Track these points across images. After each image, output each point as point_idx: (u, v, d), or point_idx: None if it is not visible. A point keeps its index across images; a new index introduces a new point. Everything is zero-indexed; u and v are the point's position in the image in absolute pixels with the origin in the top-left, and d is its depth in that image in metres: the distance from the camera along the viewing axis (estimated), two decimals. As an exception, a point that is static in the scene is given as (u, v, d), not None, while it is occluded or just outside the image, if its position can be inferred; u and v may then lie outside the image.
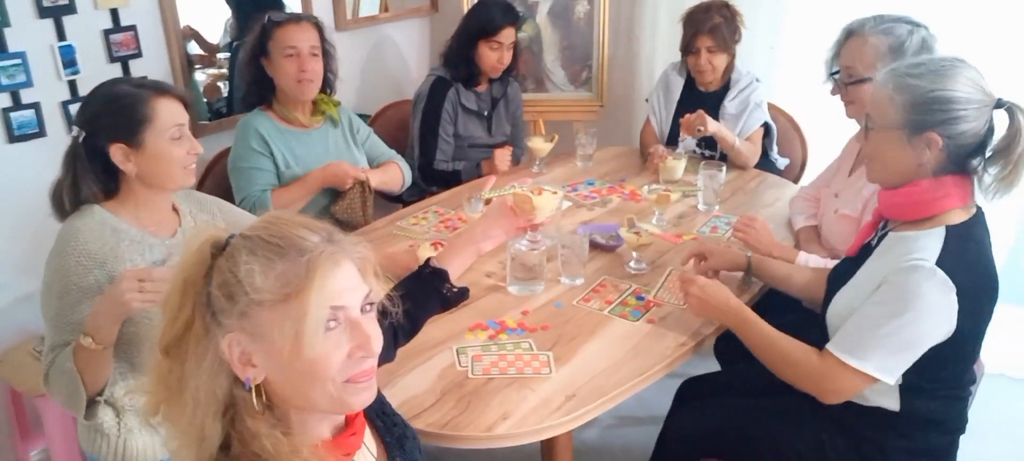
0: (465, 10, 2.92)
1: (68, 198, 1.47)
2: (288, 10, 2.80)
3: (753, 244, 1.91)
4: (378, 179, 2.31)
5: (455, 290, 1.38)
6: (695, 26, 2.55)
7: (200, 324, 0.84)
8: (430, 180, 2.68)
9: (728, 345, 2.02)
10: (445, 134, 2.69)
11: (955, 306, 1.29)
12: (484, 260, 1.93)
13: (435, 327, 1.63)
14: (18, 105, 2.08)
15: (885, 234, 1.45)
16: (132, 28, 2.30)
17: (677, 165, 2.47)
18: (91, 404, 1.43)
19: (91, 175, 1.47)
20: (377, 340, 0.89)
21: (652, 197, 2.13)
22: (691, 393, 1.86)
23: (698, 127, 2.45)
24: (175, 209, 1.62)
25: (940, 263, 1.29)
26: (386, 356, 1.30)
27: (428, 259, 1.40)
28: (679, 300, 1.76)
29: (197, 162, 1.57)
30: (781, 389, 1.66)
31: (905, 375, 1.38)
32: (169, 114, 1.49)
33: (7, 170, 2.06)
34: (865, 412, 1.46)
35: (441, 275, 1.37)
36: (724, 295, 1.58)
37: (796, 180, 2.76)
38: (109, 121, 1.46)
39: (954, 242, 1.32)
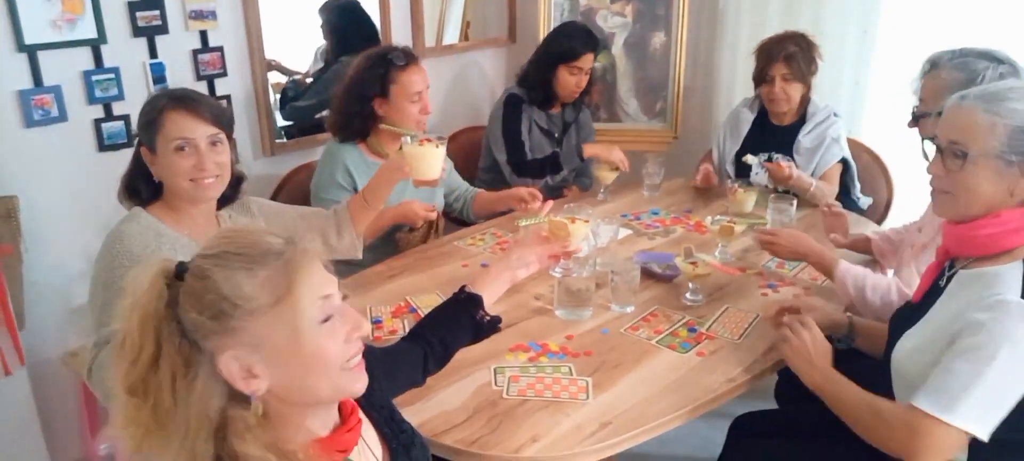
0: (541, 40, 2.95)
1: (126, 192, 1.58)
2: (384, 43, 2.89)
3: (787, 251, 1.88)
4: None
5: (488, 319, 1.38)
6: (769, 55, 2.48)
7: (175, 355, 0.82)
8: (524, 172, 2.69)
9: (789, 388, 1.92)
10: (525, 134, 2.71)
11: None
12: (535, 282, 1.92)
13: (476, 346, 1.60)
14: (110, 116, 2.23)
15: (954, 273, 1.34)
16: (219, 49, 2.44)
17: (748, 198, 2.39)
18: None
19: (139, 176, 1.57)
20: (365, 320, 0.93)
21: (715, 229, 2.06)
22: (746, 430, 1.77)
23: (783, 176, 2.39)
24: (218, 219, 1.67)
25: None
26: (413, 379, 1.31)
27: (463, 285, 1.40)
28: (733, 335, 1.68)
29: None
30: (841, 435, 1.55)
31: None
32: (175, 126, 1.49)
33: (96, 176, 2.21)
34: None
35: (476, 300, 1.38)
36: (824, 353, 1.44)
37: (879, 221, 2.61)
38: (141, 124, 1.55)
39: None
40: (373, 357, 1.00)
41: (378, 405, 1.08)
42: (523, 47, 3.43)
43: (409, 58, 2.18)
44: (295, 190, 2.49)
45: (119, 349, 0.84)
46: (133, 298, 0.83)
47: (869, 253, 2.08)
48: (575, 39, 2.67)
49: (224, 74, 2.47)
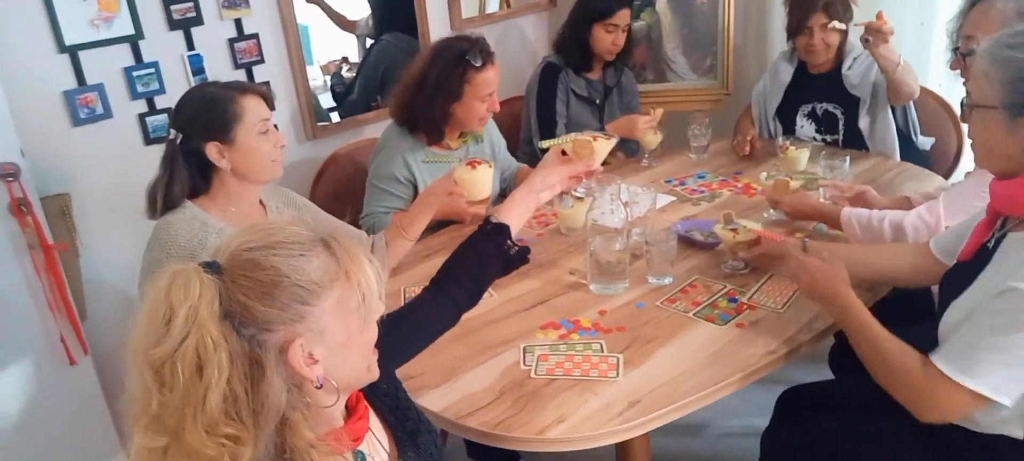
0: (577, 1, 2.86)
1: (161, 197, 1.59)
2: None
3: (794, 213, 1.87)
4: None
5: (515, 249, 1.33)
6: (805, 4, 2.34)
7: (236, 359, 0.79)
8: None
9: (843, 355, 1.82)
10: (560, 113, 2.65)
11: None
12: (571, 256, 1.88)
13: (506, 325, 1.60)
14: (153, 110, 2.29)
15: (1004, 234, 1.23)
16: (255, 36, 2.46)
17: (801, 155, 2.27)
18: None
19: (186, 174, 1.59)
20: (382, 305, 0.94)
21: (769, 183, 1.95)
22: (794, 403, 1.69)
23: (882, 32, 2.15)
24: (262, 204, 1.70)
25: None
26: (439, 329, 1.28)
27: (487, 216, 1.36)
28: (777, 304, 1.60)
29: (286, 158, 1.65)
30: (895, 408, 1.46)
31: None
32: (255, 111, 1.59)
33: (145, 169, 2.25)
34: (985, 442, 1.24)
35: (503, 230, 1.32)
36: (836, 280, 1.39)
37: (948, 173, 2.43)
38: (204, 122, 1.57)
39: None
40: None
41: (381, 393, 1.07)
42: (563, 11, 3.30)
43: (486, 57, 2.09)
44: (339, 174, 2.51)
45: (156, 377, 0.79)
46: (185, 310, 0.78)
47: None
48: None
49: (262, 61, 2.49)
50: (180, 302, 0.78)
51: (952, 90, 2.53)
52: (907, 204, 1.91)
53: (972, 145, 1.27)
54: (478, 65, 2.06)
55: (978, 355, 1.15)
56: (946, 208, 1.64)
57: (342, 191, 2.47)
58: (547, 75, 2.67)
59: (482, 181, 1.82)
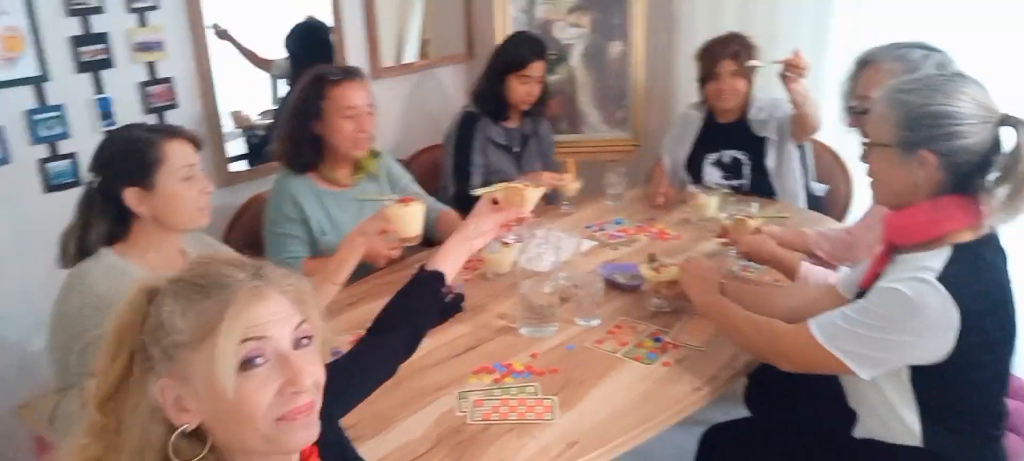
0: (498, 52, 2.94)
1: (75, 244, 1.51)
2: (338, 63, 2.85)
3: (750, 254, 1.95)
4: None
5: (451, 296, 1.35)
6: (714, 53, 2.53)
7: (138, 372, 0.83)
8: (467, 207, 2.62)
9: (759, 391, 1.92)
10: (477, 163, 2.68)
11: (954, 325, 1.20)
12: (499, 301, 1.90)
13: (438, 371, 1.59)
14: (56, 155, 2.17)
15: (893, 260, 1.36)
16: (168, 80, 2.39)
17: (710, 201, 2.39)
18: None
19: (103, 220, 1.52)
20: (308, 374, 0.86)
21: (729, 224, 2.03)
22: (718, 441, 1.75)
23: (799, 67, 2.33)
24: (183, 252, 1.64)
25: (942, 279, 1.20)
26: (379, 378, 1.27)
27: (421, 265, 1.37)
28: (699, 342, 1.67)
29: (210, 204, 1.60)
30: (807, 440, 1.55)
31: (922, 401, 1.30)
32: (179, 155, 1.53)
33: (43, 219, 2.13)
34: (888, 453, 1.36)
35: (438, 277, 1.34)
36: (712, 280, 1.66)
37: (840, 219, 2.62)
38: (123, 165, 1.50)
39: (959, 261, 1.23)
40: None
41: (328, 443, 1.04)
42: (481, 62, 3.39)
43: (347, 74, 2.09)
44: (253, 221, 2.44)
45: (99, 358, 0.86)
46: (118, 308, 0.86)
47: (805, 251, 2.05)
48: (522, 47, 2.66)
49: (174, 105, 2.42)
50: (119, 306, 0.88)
51: (842, 143, 2.74)
52: (800, 239, 2.07)
53: (871, 182, 1.40)
54: (334, 79, 2.05)
55: (845, 329, 1.29)
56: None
57: (256, 240, 2.40)
58: (465, 125, 2.71)
59: (414, 218, 1.80)
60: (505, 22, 3.19)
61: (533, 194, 1.53)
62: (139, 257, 1.55)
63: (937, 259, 1.24)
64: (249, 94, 2.85)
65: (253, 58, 2.80)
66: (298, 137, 2.09)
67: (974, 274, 1.23)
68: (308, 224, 2.10)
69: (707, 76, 2.58)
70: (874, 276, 1.38)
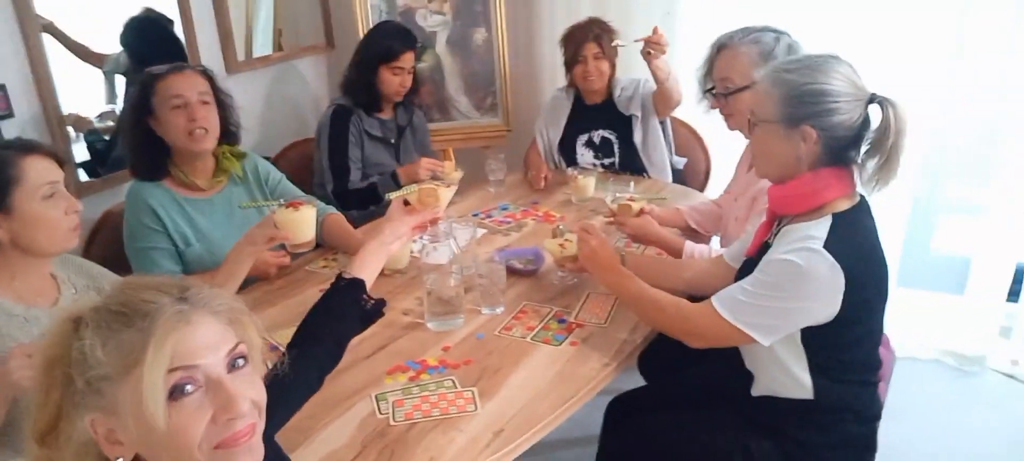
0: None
1: None
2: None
3: (636, 236, 2.03)
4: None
5: (372, 302, 1.33)
6: (577, 39, 2.66)
7: (67, 405, 0.80)
8: (348, 204, 2.57)
9: (652, 359, 2.04)
10: (354, 157, 2.63)
11: (841, 287, 1.33)
12: (400, 298, 1.88)
13: (351, 375, 1.56)
14: None
15: (779, 230, 1.49)
16: (1, 88, 2.13)
17: (588, 182, 2.49)
18: None
19: None
20: (243, 398, 0.83)
21: (614, 207, 2.10)
22: (621, 411, 1.85)
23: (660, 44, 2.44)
24: (53, 277, 1.50)
25: (826, 246, 1.33)
26: (305, 393, 1.23)
27: (339, 272, 1.35)
28: (600, 319, 1.75)
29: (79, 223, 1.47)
30: (706, 401, 1.68)
31: (811, 357, 1.43)
32: (38, 173, 1.40)
33: None
34: (783, 407, 1.49)
35: (359, 284, 1.33)
36: (613, 255, 1.72)
37: (701, 189, 2.82)
38: None
39: (840, 228, 1.36)
40: None
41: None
42: (343, 52, 3.33)
43: (173, 68, 1.96)
44: (112, 237, 2.24)
45: (35, 391, 0.83)
46: (46, 339, 0.82)
47: (681, 226, 2.21)
48: (393, 38, 2.63)
49: (11, 114, 2.17)
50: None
51: (699, 119, 2.93)
52: (677, 215, 2.22)
53: (754, 156, 1.52)
54: (159, 72, 1.95)
55: (745, 303, 1.40)
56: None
57: (118, 256, 2.21)
58: (338, 118, 2.64)
59: (306, 222, 1.74)
60: (366, 10, 3.12)
61: (446, 194, 1.54)
62: (4, 287, 1.41)
63: (820, 228, 1.36)
64: (85, 94, 2.59)
65: (82, 53, 2.54)
66: (139, 141, 1.95)
67: (854, 239, 1.37)
68: (168, 234, 1.97)
69: (572, 60, 2.68)
70: (760, 245, 1.51)
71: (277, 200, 1.76)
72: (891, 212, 2.71)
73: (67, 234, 1.45)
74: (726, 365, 1.62)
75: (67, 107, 2.39)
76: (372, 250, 1.38)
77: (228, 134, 2.05)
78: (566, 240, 1.86)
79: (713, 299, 1.45)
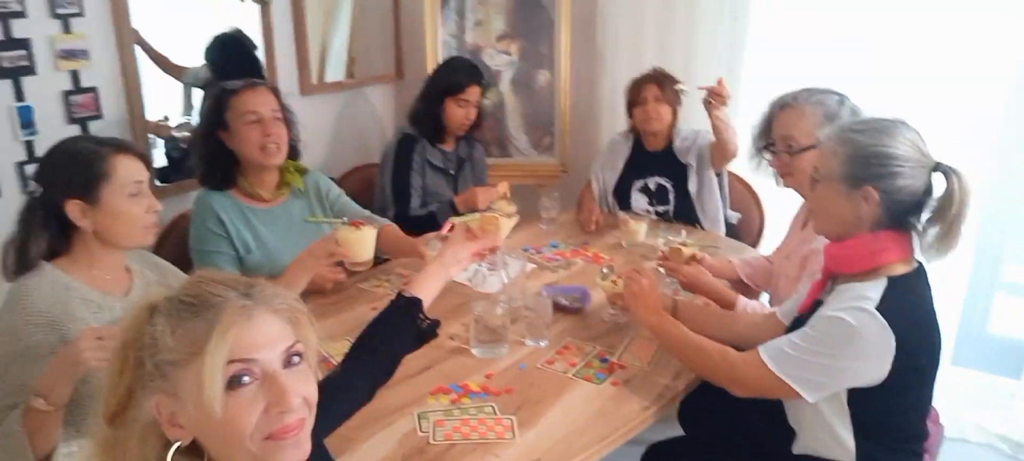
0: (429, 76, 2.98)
1: (15, 256, 1.44)
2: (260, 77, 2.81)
3: (688, 284, 2.02)
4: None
5: (428, 322, 1.38)
6: (639, 83, 2.72)
7: (136, 387, 0.85)
8: (407, 229, 2.65)
9: (692, 409, 2.03)
10: (415, 185, 2.71)
11: (891, 351, 1.33)
12: (448, 323, 1.93)
13: (396, 392, 1.60)
14: (-29, 165, 2.04)
15: (833, 289, 1.49)
16: (93, 90, 2.29)
17: (640, 228, 2.51)
18: None
19: (44, 232, 1.46)
20: (295, 393, 0.87)
21: (666, 249, 2.13)
22: (659, 459, 1.85)
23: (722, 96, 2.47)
24: (128, 269, 1.59)
25: (879, 308, 1.33)
26: (359, 401, 1.28)
27: (400, 290, 1.41)
28: (642, 362, 1.76)
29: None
30: (745, 455, 1.67)
31: (857, 420, 1.42)
32: (127, 171, 1.49)
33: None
34: None
35: (417, 303, 1.38)
36: (659, 299, 1.74)
37: (754, 245, 2.81)
38: (66, 177, 1.46)
39: (895, 291, 1.36)
40: None
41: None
42: (411, 83, 3.44)
43: (246, 85, 2.06)
44: (180, 239, 2.35)
45: (107, 373, 0.88)
46: (123, 324, 0.88)
47: (732, 278, 2.20)
48: (460, 72, 2.74)
49: (99, 116, 2.32)
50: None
51: (755, 175, 2.93)
52: (728, 266, 2.21)
53: (813, 213, 1.53)
54: (234, 88, 2.04)
55: (793, 356, 1.40)
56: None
57: (184, 258, 2.32)
58: (403, 146, 2.73)
59: (366, 242, 1.81)
60: (436, 46, 3.24)
61: (507, 224, 1.59)
62: (82, 273, 1.50)
63: (875, 289, 1.36)
64: (168, 103, 2.75)
65: (164, 64, 2.70)
66: (209, 152, 2.06)
67: (908, 304, 1.37)
68: (231, 240, 2.06)
69: (633, 102, 2.75)
70: (813, 303, 1.51)
71: (341, 218, 1.83)
72: (947, 288, 2.65)
73: (145, 231, 1.53)
74: (768, 420, 1.61)
75: (150, 114, 2.55)
76: (432, 272, 1.44)
77: (292, 149, 2.15)
78: (617, 277, 1.88)
79: (760, 349, 1.45)
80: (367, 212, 2.29)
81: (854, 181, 1.39)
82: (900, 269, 1.40)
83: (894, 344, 1.32)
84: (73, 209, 1.45)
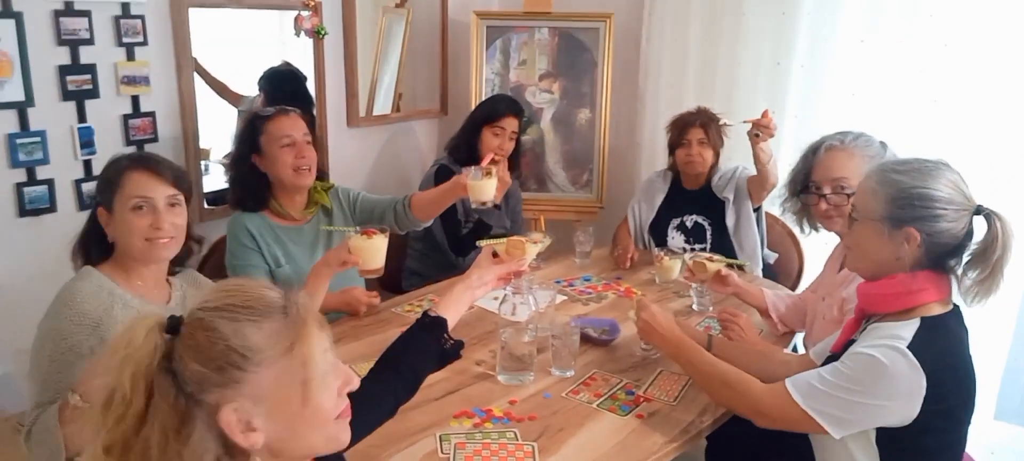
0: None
1: (80, 252, 1.58)
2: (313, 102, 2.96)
3: (735, 339, 1.96)
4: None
5: (451, 343, 1.41)
6: (684, 123, 2.71)
7: (168, 412, 0.81)
8: (464, 250, 2.73)
9: (720, 444, 2.00)
10: (459, 210, 2.77)
11: (921, 391, 1.30)
12: (475, 350, 1.95)
13: (420, 412, 1.63)
14: (33, 181, 2.16)
15: (865, 328, 1.47)
16: (151, 114, 2.41)
17: (674, 265, 2.50)
18: None
19: (93, 235, 1.58)
20: (352, 373, 0.96)
21: (689, 262, 2.13)
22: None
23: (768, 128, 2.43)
24: (169, 282, 1.66)
25: (911, 347, 1.31)
26: (381, 416, 1.32)
27: (426, 310, 1.44)
28: (669, 397, 1.75)
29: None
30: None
31: (884, 459, 1.38)
32: (134, 185, 1.54)
33: (16, 243, 2.11)
34: None
35: (441, 323, 1.42)
36: (670, 322, 1.71)
37: (793, 287, 2.78)
38: (99, 186, 1.58)
39: (928, 332, 1.34)
40: None
41: None
42: (454, 119, 3.52)
43: (279, 111, 2.17)
44: (222, 260, 2.44)
45: (104, 406, 0.82)
46: (125, 352, 0.82)
47: (761, 308, 2.16)
48: (498, 102, 2.82)
49: (155, 140, 2.44)
50: (121, 347, 0.83)
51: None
52: (760, 296, 2.18)
53: (849, 251, 1.51)
54: (268, 114, 2.15)
55: (821, 390, 1.37)
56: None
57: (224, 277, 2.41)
58: (440, 176, 2.78)
59: (377, 249, 1.85)
60: (480, 83, 3.32)
61: (533, 248, 1.62)
62: (124, 279, 1.58)
63: (908, 329, 1.34)
64: (223, 131, 2.86)
65: (223, 90, 2.82)
66: (244, 177, 2.16)
67: (941, 345, 1.34)
68: (262, 255, 2.14)
69: (676, 143, 2.74)
70: (845, 342, 1.49)
71: (354, 228, 1.88)
72: (992, 337, 2.57)
73: (146, 246, 1.54)
74: (796, 458, 1.58)
75: (205, 141, 2.66)
76: (458, 294, 1.47)
77: (319, 171, 2.25)
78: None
79: (787, 381, 1.43)
80: (389, 197, 2.35)
81: (896, 222, 1.38)
82: (936, 309, 1.38)
83: (925, 384, 1.29)
84: (100, 215, 1.56)
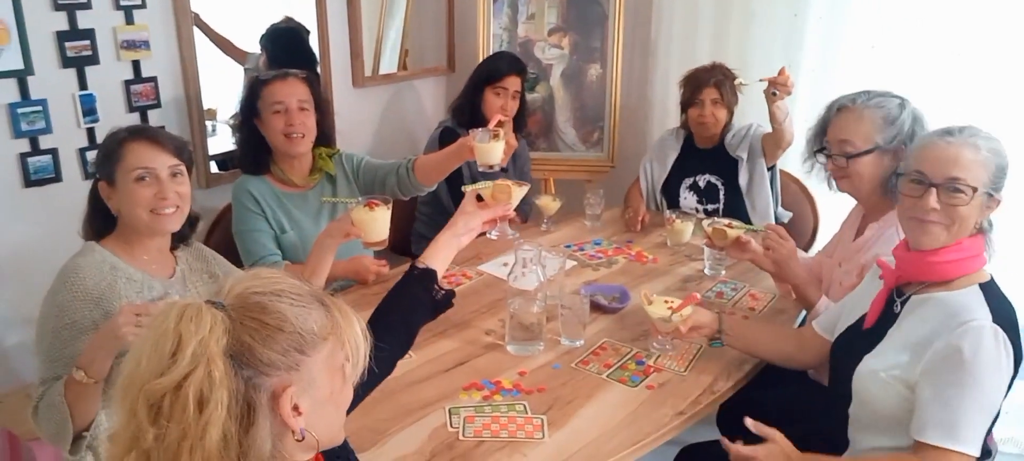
0: (480, 67, 2.98)
1: (90, 232, 1.57)
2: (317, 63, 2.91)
3: (780, 266, 1.92)
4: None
5: (442, 293, 1.40)
6: (698, 81, 2.63)
7: (231, 401, 0.79)
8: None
9: (731, 412, 1.99)
10: (465, 172, 2.71)
11: (1012, 362, 1.32)
12: (484, 318, 1.94)
13: (428, 386, 1.62)
14: (36, 150, 2.13)
15: (906, 299, 1.44)
16: (153, 80, 2.37)
17: (685, 227, 2.46)
18: (77, 439, 1.45)
19: (97, 210, 1.56)
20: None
21: (709, 230, 2.07)
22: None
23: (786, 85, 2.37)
24: (174, 256, 1.65)
25: (996, 321, 1.32)
26: (380, 376, 1.30)
27: (412, 262, 1.42)
28: (679, 367, 1.73)
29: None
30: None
31: None
32: (136, 156, 1.52)
33: (20, 214, 2.10)
34: None
35: (430, 274, 1.39)
36: (788, 451, 1.44)
37: (806, 248, 2.73)
38: (98, 159, 1.56)
39: (995, 301, 1.36)
40: None
41: (334, 455, 1.07)
42: (461, 77, 3.43)
43: (278, 75, 2.14)
44: (229, 226, 2.42)
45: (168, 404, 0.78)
46: (197, 340, 0.78)
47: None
48: (500, 61, 2.76)
49: (158, 105, 2.40)
50: (190, 335, 0.78)
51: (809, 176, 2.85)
52: None
53: (938, 225, 1.40)
54: (266, 79, 2.13)
55: (959, 420, 1.30)
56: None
57: (232, 244, 2.39)
58: (445, 139, 2.74)
59: (379, 221, 1.82)
60: (487, 39, 3.24)
61: (518, 191, 1.61)
62: (127, 253, 1.57)
63: (974, 299, 1.36)
64: (229, 92, 2.82)
65: (227, 47, 2.77)
66: (245, 138, 2.16)
67: (1006, 311, 1.37)
68: (266, 219, 2.14)
69: (689, 101, 2.67)
70: (879, 313, 1.48)
71: (357, 199, 1.85)
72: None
73: (150, 217, 1.53)
74: (814, 428, 1.56)
75: (208, 101, 2.62)
76: (444, 242, 1.44)
77: (324, 136, 2.22)
78: (672, 305, 1.74)
79: (930, 438, 1.32)
80: (393, 162, 2.31)
81: (993, 191, 1.40)
82: (984, 275, 1.42)
83: (1012, 355, 1.33)
84: (102, 189, 1.54)
